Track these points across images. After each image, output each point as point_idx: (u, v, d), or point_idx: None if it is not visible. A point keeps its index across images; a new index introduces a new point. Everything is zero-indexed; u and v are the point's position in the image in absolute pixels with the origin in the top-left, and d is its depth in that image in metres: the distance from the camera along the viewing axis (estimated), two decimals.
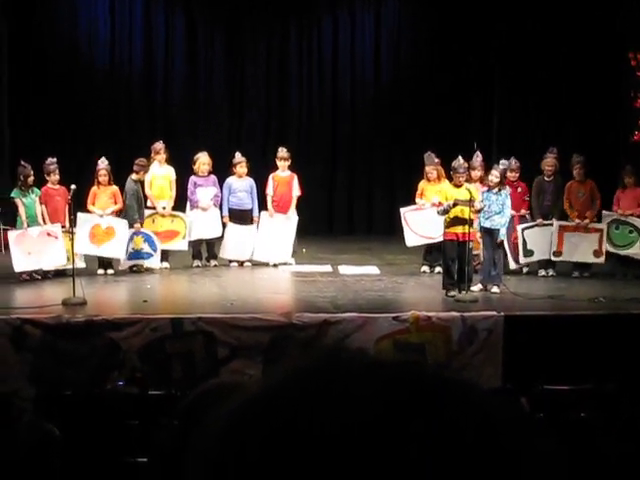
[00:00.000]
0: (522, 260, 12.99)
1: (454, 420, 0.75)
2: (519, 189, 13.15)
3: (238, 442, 0.76)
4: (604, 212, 12.98)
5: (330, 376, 0.79)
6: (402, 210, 13.51)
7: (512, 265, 12.94)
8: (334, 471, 0.71)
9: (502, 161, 12.63)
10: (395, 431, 0.73)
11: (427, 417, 0.74)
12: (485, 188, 11.83)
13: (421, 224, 13.07)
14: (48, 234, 12.31)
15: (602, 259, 12.85)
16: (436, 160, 13.23)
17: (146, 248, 13.00)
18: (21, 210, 12.45)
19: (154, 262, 13.11)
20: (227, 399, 0.80)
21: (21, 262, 12.09)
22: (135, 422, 6.91)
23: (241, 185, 13.61)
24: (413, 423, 0.73)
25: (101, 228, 12.72)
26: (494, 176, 11.78)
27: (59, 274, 12.33)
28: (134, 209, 12.98)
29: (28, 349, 9.37)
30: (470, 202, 10.95)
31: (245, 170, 13.64)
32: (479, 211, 11.32)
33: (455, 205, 11.05)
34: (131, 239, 12.84)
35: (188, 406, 2.36)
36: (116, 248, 12.73)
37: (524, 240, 12.92)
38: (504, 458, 0.75)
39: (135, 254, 12.95)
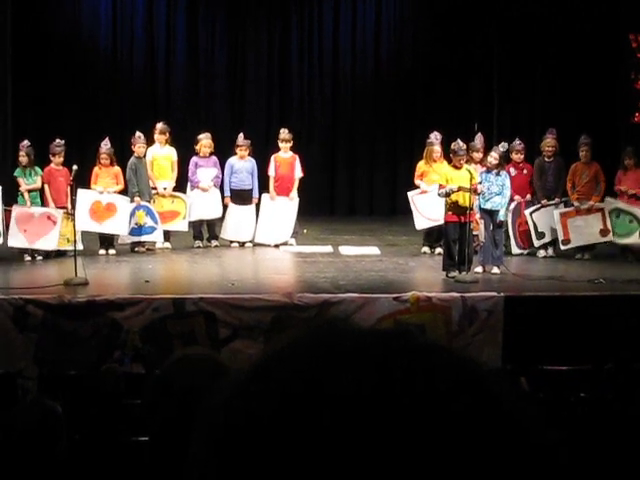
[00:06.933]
0: (536, 243, 13.01)
1: (449, 389, 0.75)
2: (525, 171, 13.12)
3: (236, 418, 0.76)
4: (607, 199, 12.89)
5: (326, 346, 0.79)
6: (410, 194, 13.39)
7: (515, 249, 12.95)
8: (330, 442, 0.72)
9: (502, 143, 12.59)
10: (393, 400, 0.73)
11: (422, 385, 0.74)
12: (484, 169, 11.82)
13: (429, 207, 12.92)
14: (48, 217, 12.34)
15: (610, 236, 12.77)
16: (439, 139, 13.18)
17: (149, 222, 13.02)
18: (23, 188, 12.49)
19: (158, 235, 13.13)
20: (224, 375, 0.82)
21: (15, 238, 12.16)
22: (137, 401, 6.95)
23: (243, 166, 13.62)
24: (409, 392, 0.74)
25: (101, 204, 12.74)
26: (493, 158, 11.73)
27: (60, 255, 12.36)
28: (133, 183, 13.01)
29: (31, 329, 9.40)
30: (472, 189, 10.97)
31: (246, 153, 13.62)
32: (480, 194, 11.33)
33: (459, 190, 11.05)
34: (133, 214, 12.87)
35: (154, 382, 2.39)
36: (118, 224, 12.76)
37: (534, 223, 12.91)
38: (500, 428, 0.74)
39: (137, 230, 12.96)
